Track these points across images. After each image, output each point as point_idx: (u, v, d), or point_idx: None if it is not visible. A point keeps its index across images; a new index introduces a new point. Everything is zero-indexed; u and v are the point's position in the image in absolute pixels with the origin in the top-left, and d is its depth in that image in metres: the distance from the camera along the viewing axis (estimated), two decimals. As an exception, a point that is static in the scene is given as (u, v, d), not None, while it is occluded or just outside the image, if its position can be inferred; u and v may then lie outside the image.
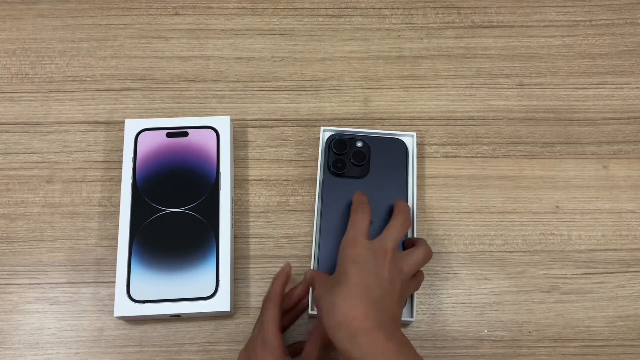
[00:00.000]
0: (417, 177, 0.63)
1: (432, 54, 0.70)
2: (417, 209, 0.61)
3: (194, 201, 0.59)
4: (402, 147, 0.62)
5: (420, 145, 0.65)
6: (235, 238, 0.61)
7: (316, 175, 0.61)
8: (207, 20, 0.71)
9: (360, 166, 0.60)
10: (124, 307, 0.56)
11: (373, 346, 0.43)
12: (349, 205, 0.56)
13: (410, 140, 0.63)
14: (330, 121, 0.66)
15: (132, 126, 0.62)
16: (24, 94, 0.67)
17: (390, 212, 0.57)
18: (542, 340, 0.59)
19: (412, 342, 0.58)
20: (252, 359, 0.51)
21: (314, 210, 0.59)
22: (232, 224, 0.60)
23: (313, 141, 0.65)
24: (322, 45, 0.70)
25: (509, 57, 0.70)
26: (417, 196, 0.61)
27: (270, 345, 0.50)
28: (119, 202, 0.60)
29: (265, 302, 0.54)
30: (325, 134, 0.62)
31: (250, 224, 0.62)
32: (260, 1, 0.72)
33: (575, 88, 0.68)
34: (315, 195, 0.60)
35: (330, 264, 0.57)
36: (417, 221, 0.61)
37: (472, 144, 0.66)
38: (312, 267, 0.58)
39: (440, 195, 0.64)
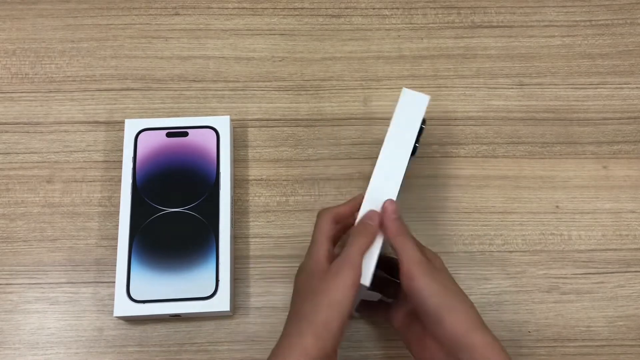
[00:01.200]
0: (417, 177, 0.63)
1: (432, 54, 0.70)
2: (407, 208, 0.60)
3: (193, 201, 0.59)
4: None
5: (420, 145, 0.65)
6: (235, 238, 0.61)
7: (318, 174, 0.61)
8: (207, 20, 0.71)
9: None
10: (123, 307, 0.56)
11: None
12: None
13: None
14: (330, 121, 0.66)
15: (132, 126, 0.62)
16: (24, 94, 0.67)
17: None
18: (542, 340, 0.59)
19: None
20: (303, 271, 0.50)
21: (314, 209, 0.59)
22: (232, 223, 0.60)
23: (313, 141, 0.65)
24: (322, 45, 0.70)
25: (509, 57, 0.70)
26: (416, 196, 0.61)
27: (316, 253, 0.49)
28: (119, 202, 0.60)
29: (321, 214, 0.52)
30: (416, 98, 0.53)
31: (250, 224, 0.62)
32: (260, 1, 0.72)
33: (575, 88, 0.68)
34: (312, 195, 0.60)
35: None
36: (415, 221, 0.61)
37: (472, 144, 0.66)
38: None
39: (440, 195, 0.64)
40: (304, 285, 0.48)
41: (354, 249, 0.47)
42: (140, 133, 0.62)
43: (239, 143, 0.65)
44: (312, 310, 0.45)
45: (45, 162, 0.64)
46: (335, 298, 0.45)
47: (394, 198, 0.49)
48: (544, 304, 0.60)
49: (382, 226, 0.48)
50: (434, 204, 0.63)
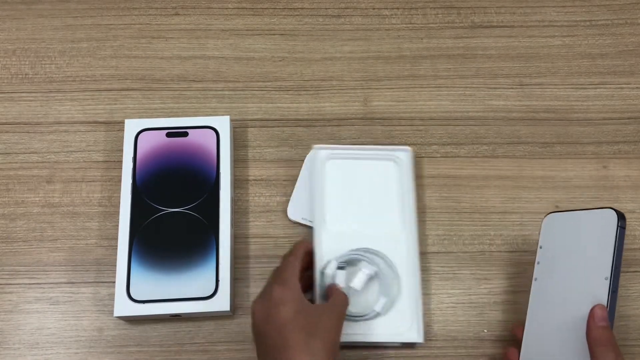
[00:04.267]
0: (418, 176, 0.63)
1: (432, 54, 0.70)
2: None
3: (194, 201, 0.59)
4: None
5: (420, 145, 0.65)
6: (235, 238, 0.61)
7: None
8: (207, 20, 0.71)
9: None
10: (124, 307, 0.56)
11: None
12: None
13: (405, 155, 0.62)
14: (330, 121, 0.66)
15: (132, 126, 0.62)
16: (24, 94, 0.67)
17: None
18: (542, 340, 0.59)
19: (412, 342, 0.58)
20: (269, 299, 0.49)
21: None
22: (232, 223, 0.60)
23: (313, 141, 0.65)
24: (322, 45, 0.70)
25: (509, 57, 0.70)
26: (416, 196, 0.61)
27: (289, 283, 0.50)
28: (119, 202, 0.59)
29: (286, 256, 0.54)
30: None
31: (250, 224, 0.62)
32: (260, 1, 0.72)
33: (575, 88, 0.68)
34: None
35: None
36: (416, 222, 0.61)
37: (472, 144, 0.66)
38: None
39: (440, 195, 0.64)
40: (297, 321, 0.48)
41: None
42: (140, 133, 0.62)
43: (239, 143, 0.65)
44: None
45: (45, 162, 0.64)
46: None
47: (604, 303, 0.48)
48: (544, 304, 0.60)
49: (587, 332, 0.47)
50: (434, 204, 0.63)
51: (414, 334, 0.56)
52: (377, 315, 0.56)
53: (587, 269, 0.50)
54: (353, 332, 0.56)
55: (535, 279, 0.54)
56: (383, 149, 0.63)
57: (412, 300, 0.57)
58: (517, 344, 0.54)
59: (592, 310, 0.48)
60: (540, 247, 0.55)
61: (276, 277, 0.51)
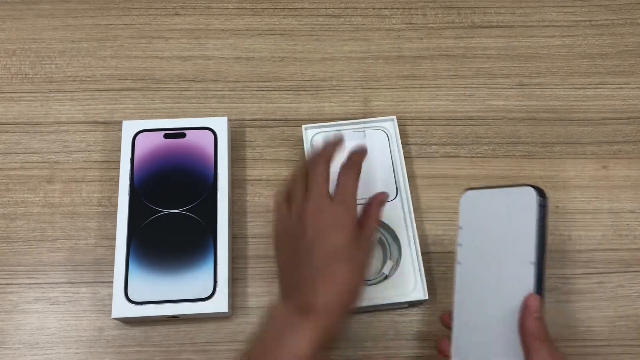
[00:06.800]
0: (418, 176, 0.63)
1: (432, 54, 0.70)
2: (413, 208, 0.60)
3: (191, 202, 0.59)
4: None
5: (420, 145, 0.65)
6: (235, 238, 0.61)
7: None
8: (207, 20, 0.71)
9: None
10: (121, 308, 0.56)
11: None
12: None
13: (391, 124, 0.64)
14: (330, 121, 0.66)
15: (129, 127, 0.62)
16: (24, 94, 0.67)
17: None
18: (542, 340, 0.59)
19: (411, 341, 0.58)
20: (295, 207, 0.50)
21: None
22: (230, 224, 0.60)
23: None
24: (322, 45, 0.70)
25: (509, 57, 0.70)
26: (411, 194, 0.61)
27: (349, 204, 0.48)
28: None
29: (315, 159, 0.51)
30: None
31: (250, 224, 0.62)
32: (260, 1, 0.72)
33: (575, 88, 0.68)
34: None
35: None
36: (416, 221, 0.61)
37: (472, 144, 0.66)
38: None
39: (440, 195, 0.64)
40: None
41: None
42: (138, 134, 0.62)
43: (238, 143, 0.65)
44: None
45: (45, 162, 0.64)
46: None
47: (532, 290, 0.44)
48: (543, 304, 0.60)
49: (521, 323, 0.44)
50: (434, 204, 0.63)
51: (420, 293, 0.58)
52: (385, 278, 0.58)
53: (511, 253, 0.46)
54: (363, 297, 0.56)
55: (460, 263, 0.49)
56: (370, 121, 0.64)
57: (414, 261, 0.59)
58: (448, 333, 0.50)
59: (525, 300, 0.44)
60: (461, 228, 0.49)
61: (326, 190, 0.49)
